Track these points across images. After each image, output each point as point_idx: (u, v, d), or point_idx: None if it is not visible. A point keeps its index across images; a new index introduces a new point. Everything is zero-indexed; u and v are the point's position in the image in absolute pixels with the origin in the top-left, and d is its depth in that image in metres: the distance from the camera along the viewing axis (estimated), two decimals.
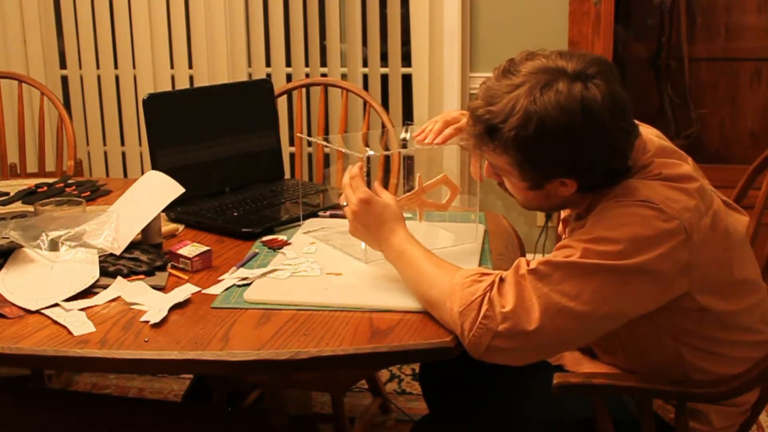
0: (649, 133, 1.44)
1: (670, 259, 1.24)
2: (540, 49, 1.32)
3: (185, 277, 1.54)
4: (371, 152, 1.61)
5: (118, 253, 1.59)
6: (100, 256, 1.57)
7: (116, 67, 3.54)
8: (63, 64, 3.60)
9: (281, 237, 1.75)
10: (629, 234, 1.23)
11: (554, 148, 1.25)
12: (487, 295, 1.25)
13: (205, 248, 1.60)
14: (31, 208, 1.95)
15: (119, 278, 1.51)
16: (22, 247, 1.59)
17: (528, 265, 1.26)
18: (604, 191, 1.34)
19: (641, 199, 1.26)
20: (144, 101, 1.96)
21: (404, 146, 1.85)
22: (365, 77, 3.40)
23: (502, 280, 1.26)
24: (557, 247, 1.30)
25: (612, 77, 1.27)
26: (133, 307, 1.42)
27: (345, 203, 1.50)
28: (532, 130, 1.23)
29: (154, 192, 1.73)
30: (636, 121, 1.34)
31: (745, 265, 1.37)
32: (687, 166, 1.36)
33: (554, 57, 1.28)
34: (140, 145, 3.59)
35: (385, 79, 3.37)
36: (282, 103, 3.14)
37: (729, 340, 1.35)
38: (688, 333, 1.33)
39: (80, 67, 3.56)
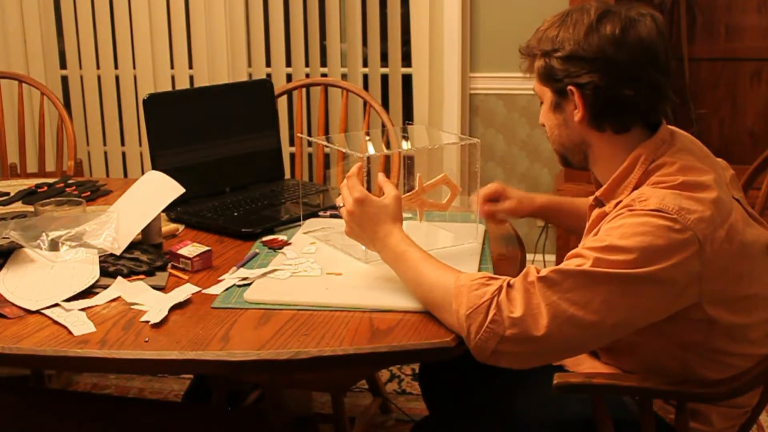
0: (685, 133, 1.45)
1: (682, 269, 1.23)
2: None
3: (185, 277, 1.55)
4: (372, 152, 1.61)
5: (118, 253, 1.59)
6: (100, 256, 1.57)
7: (116, 67, 3.54)
8: (63, 64, 3.60)
9: (281, 237, 1.75)
10: (642, 244, 1.22)
11: (568, 43, 1.34)
12: (495, 299, 1.24)
13: (205, 248, 1.60)
14: (31, 208, 1.95)
15: (119, 278, 1.51)
16: (22, 247, 1.59)
17: (538, 272, 1.26)
18: (626, 170, 1.36)
19: (655, 208, 1.25)
20: (144, 101, 1.96)
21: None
22: (365, 77, 3.40)
23: (510, 285, 1.26)
24: (569, 256, 1.29)
25: (651, 25, 1.36)
26: (133, 307, 1.42)
27: (342, 204, 1.50)
28: (556, 25, 1.37)
29: (154, 192, 1.73)
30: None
31: (760, 280, 1.35)
32: (710, 174, 1.33)
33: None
34: (140, 145, 3.59)
35: (385, 79, 3.37)
36: (282, 103, 3.14)
37: (737, 353, 1.35)
38: (696, 344, 1.33)
39: (80, 67, 3.56)
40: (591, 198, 1.50)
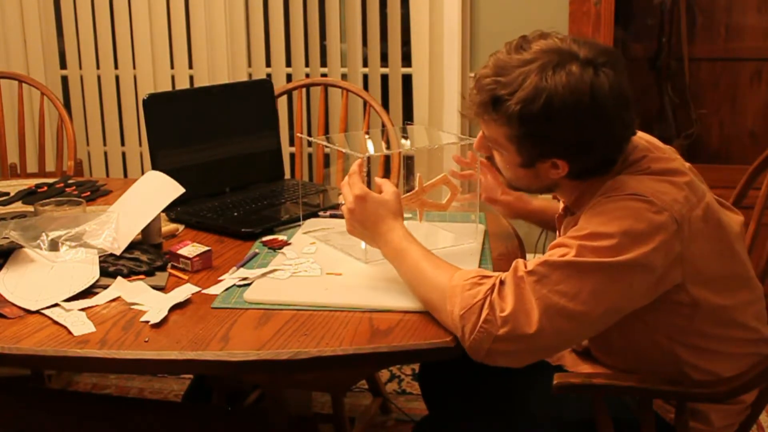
0: (639, 133, 1.46)
1: (664, 252, 1.24)
2: (553, 31, 1.34)
3: (185, 277, 1.55)
4: (371, 152, 1.61)
5: (118, 253, 1.59)
6: (100, 256, 1.57)
7: (116, 67, 3.54)
8: (63, 64, 3.60)
9: (281, 237, 1.75)
10: (622, 228, 1.24)
11: (557, 126, 1.27)
12: (488, 298, 1.25)
13: (205, 248, 1.60)
14: (31, 208, 1.95)
15: (119, 278, 1.51)
16: (22, 247, 1.59)
17: (525, 266, 1.27)
18: (592, 184, 1.36)
19: (631, 192, 1.27)
20: (144, 101, 1.96)
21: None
22: (365, 77, 3.40)
23: (502, 282, 1.26)
24: (552, 246, 1.31)
25: (621, 69, 1.29)
26: (133, 307, 1.42)
27: (343, 202, 1.50)
28: (538, 105, 1.25)
29: (154, 192, 1.73)
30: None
31: (740, 261, 1.37)
32: (677, 161, 1.38)
33: (568, 41, 1.30)
34: (140, 145, 3.59)
35: (385, 79, 3.37)
36: (282, 103, 3.14)
37: (722, 336, 1.36)
38: (681, 330, 1.34)
39: (80, 67, 3.56)
40: (560, 208, 1.51)
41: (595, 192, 1.34)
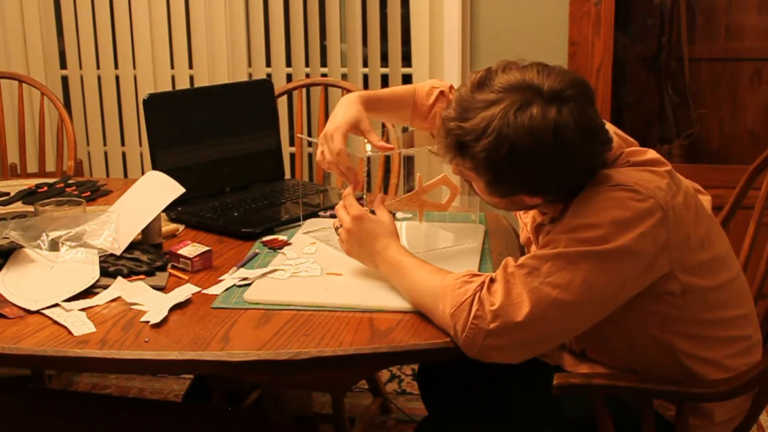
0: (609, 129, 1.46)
1: (651, 237, 1.26)
2: (518, 59, 1.33)
3: (185, 277, 1.55)
4: (371, 152, 1.60)
5: (118, 253, 1.59)
6: (100, 257, 1.57)
7: (116, 67, 3.54)
8: (63, 64, 3.60)
9: (281, 237, 1.75)
10: (608, 217, 1.25)
11: (523, 170, 1.28)
12: (477, 294, 1.26)
13: (206, 248, 1.60)
14: (31, 208, 1.95)
15: (119, 278, 1.51)
16: (22, 247, 1.59)
17: (515, 262, 1.28)
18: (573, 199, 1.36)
19: (615, 183, 1.28)
20: (144, 101, 1.96)
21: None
22: (365, 77, 3.40)
23: (492, 280, 1.28)
24: (542, 244, 1.31)
25: (586, 99, 1.29)
26: (133, 307, 1.42)
27: (339, 225, 1.51)
28: (503, 153, 1.25)
29: (154, 192, 1.73)
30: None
31: (717, 242, 1.39)
32: (653, 152, 1.39)
33: (531, 72, 1.28)
34: (140, 145, 3.59)
35: (385, 79, 3.37)
36: (282, 103, 3.14)
37: (712, 320, 1.37)
38: (674, 320, 1.34)
39: (80, 67, 3.56)
40: (538, 218, 1.51)
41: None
